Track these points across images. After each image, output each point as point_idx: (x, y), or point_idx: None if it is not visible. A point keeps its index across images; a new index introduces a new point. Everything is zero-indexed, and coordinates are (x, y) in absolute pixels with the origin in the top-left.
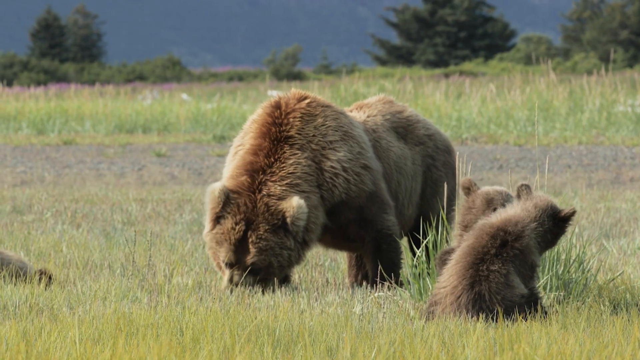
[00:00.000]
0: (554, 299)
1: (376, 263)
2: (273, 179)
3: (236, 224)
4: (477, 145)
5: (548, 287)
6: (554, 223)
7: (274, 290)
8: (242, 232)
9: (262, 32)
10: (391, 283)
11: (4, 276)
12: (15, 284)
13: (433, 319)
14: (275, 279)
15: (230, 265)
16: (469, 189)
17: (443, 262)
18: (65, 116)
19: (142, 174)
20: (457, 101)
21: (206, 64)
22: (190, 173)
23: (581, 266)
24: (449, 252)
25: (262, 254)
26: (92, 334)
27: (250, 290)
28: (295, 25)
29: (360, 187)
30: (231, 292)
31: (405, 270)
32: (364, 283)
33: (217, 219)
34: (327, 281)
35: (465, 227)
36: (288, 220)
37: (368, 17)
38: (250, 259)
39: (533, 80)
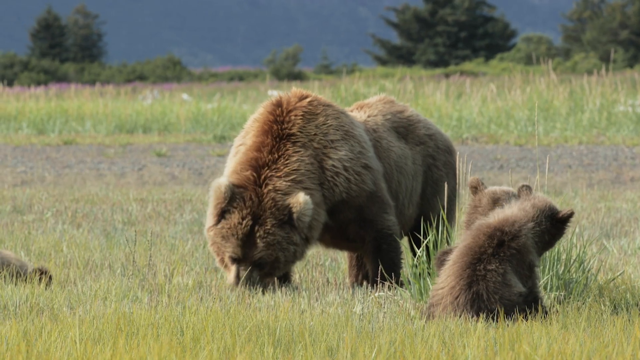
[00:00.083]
0: (554, 298)
1: (376, 263)
2: (278, 175)
3: (243, 218)
4: (477, 145)
5: (548, 287)
6: (552, 224)
7: (274, 290)
8: (249, 227)
9: (263, 32)
10: (391, 283)
11: (4, 276)
12: (15, 284)
13: (432, 319)
14: (276, 279)
15: (236, 260)
16: (476, 188)
17: (441, 262)
18: (65, 116)
19: (143, 174)
20: (458, 101)
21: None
22: (191, 173)
23: (582, 266)
24: (447, 252)
25: (269, 248)
26: (92, 333)
27: (255, 285)
28: (295, 25)
29: (360, 186)
30: (239, 286)
31: (406, 270)
32: (365, 283)
33: (222, 214)
34: (327, 281)
35: (471, 227)
36: (294, 215)
37: (368, 17)
38: (257, 253)
39: (533, 80)
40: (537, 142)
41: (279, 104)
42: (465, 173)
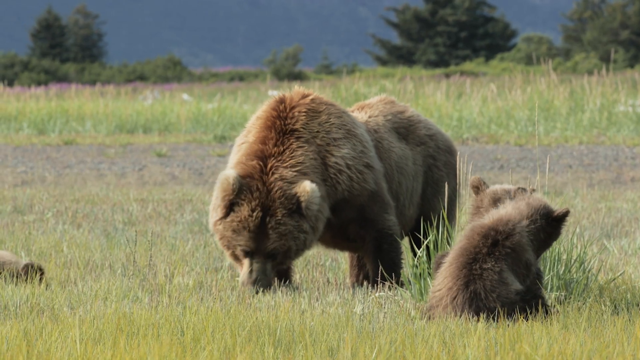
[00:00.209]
0: (554, 299)
1: (377, 263)
2: (284, 165)
3: (253, 210)
4: (477, 145)
5: (549, 287)
6: (548, 223)
7: (275, 290)
8: (259, 218)
9: (263, 32)
10: (392, 283)
11: (4, 277)
12: (15, 284)
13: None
14: (276, 279)
15: (249, 253)
16: (478, 188)
17: (438, 266)
18: (66, 116)
19: (143, 174)
20: (458, 101)
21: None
22: (191, 173)
23: (582, 266)
24: (444, 256)
25: (281, 238)
26: (92, 333)
27: (269, 277)
28: (295, 25)
29: (362, 185)
30: (254, 282)
31: (406, 270)
32: (365, 283)
33: (231, 206)
34: (328, 281)
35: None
36: (303, 204)
37: (368, 17)
38: (270, 244)
39: (534, 80)
40: (537, 142)
41: (282, 101)
42: (466, 173)
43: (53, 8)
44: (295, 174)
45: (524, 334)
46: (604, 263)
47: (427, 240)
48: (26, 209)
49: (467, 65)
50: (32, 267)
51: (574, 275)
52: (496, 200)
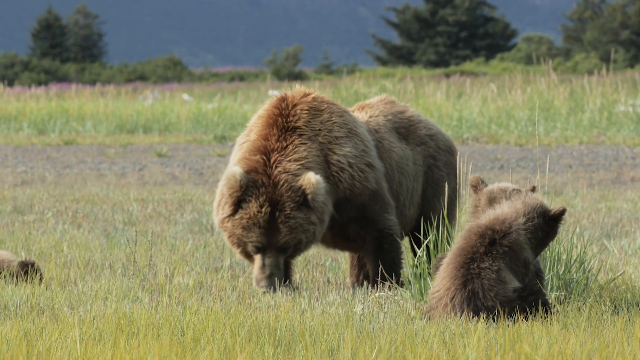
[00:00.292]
0: (555, 298)
1: (377, 263)
2: (288, 159)
3: (261, 206)
4: (478, 145)
5: (549, 287)
6: (545, 221)
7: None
8: (269, 214)
9: (263, 32)
10: (392, 283)
11: (4, 276)
12: (16, 284)
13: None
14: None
15: (261, 249)
16: (476, 187)
17: (438, 267)
18: (66, 116)
19: (143, 174)
20: (458, 101)
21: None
22: (191, 173)
23: (582, 266)
24: (444, 257)
25: (292, 232)
26: (93, 333)
27: (281, 270)
28: (295, 25)
29: (364, 184)
30: (269, 277)
31: (406, 270)
32: (365, 283)
33: (238, 203)
34: (328, 281)
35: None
36: (309, 197)
37: (368, 17)
38: (282, 238)
39: (534, 80)
40: (537, 142)
41: (283, 99)
42: (466, 173)
43: (53, 8)
44: (299, 167)
45: (524, 334)
46: (604, 263)
47: (427, 240)
48: (26, 208)
49: (467, 65)
50: (25, 264)
51: (574, 275)
52: (492, 200)
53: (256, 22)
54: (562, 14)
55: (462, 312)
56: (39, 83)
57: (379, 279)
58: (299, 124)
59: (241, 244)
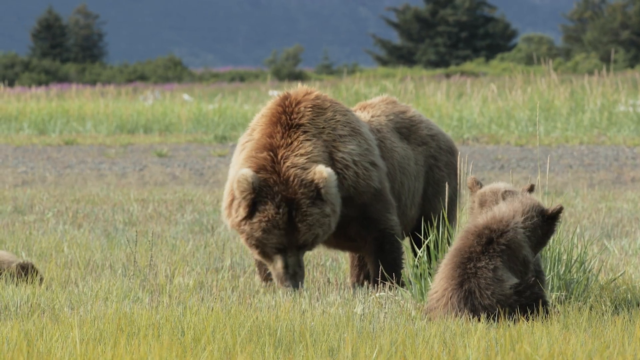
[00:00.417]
0: (555, 299)
1: (378, 263)
2: (295, 154)
3: (278, 207)
4: (478, 146)
5: (550, 287)
6: (543, 220)
7: (275, 290)
8: (287, 214)
9: (263, 32)
10: (392, 283)
11: (5, 276)
12: (16, 284)
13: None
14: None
15: (282, 249)
16: (471, 189)
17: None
18: (66, 116)
19: (144, 174)
20: (458, 101)
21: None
22: (192, 173)
23: (582, 266)
24: None
25: (310, 229)
26: (93, 334)
27: (302, 268)
28: (296, 25)
29: (368, 182)
30: (293, 278)
31: (407, 271)
32: (366, 283)
33: (254, 205)
34: (328, 281)
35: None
36: (322, 191)
37: (369, 17)
38: (302, 236)
39: (534, 80)
40: (538, 142)
41: (286, 97)
42: (466, 173)
43: (53, 8)
44: (306, 160)
45: (525, 334)
46: (604, 263)
47: (428, 240)
48: (27, 209)
49: (468, 66)
50: (23, 267)
51: (575, 276)
52: (483, 203)
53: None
54: (563, 14)
55: (460, 311)
56: (40, 83)
57: (380, 279)
58: (303, 121)
59: (260, 246)
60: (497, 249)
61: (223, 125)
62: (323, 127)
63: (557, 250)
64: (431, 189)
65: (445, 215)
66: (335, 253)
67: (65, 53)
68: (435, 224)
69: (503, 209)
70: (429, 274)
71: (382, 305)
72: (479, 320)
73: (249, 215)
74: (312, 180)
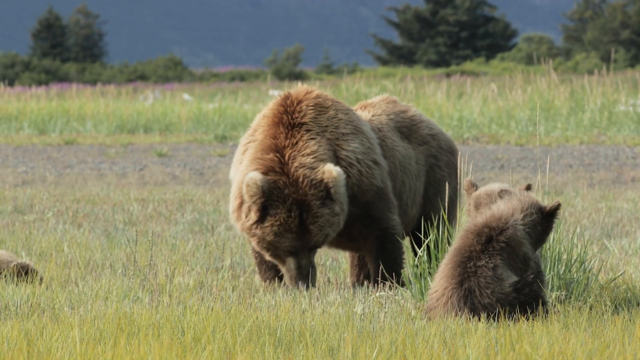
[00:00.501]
0: (555, 298)
1: (379, 262)
2: (301, 154)
3: (289, 210)
4: (478, 145)
5: (550, 287)
6: (542, 217)
7: (275, 290)
8: (298, 217)
9: (264, 32)
10: (392, 283)
11: (5, 276)
12: (17, 284)
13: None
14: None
15: (294, 252)
16: (467, 192)
17: None
18: (66, 116)
19: (144, 174)
20: (459, 101)
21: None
22: (192, 173)
23: (582, 266)
24: None
25: (322, 230)
26: (93, 333)
27: (314, 268)
28: (296, 25)
29: (371, 180)
30: (306, 278)
31: (407, 270)
32: (366, 283)
33: (264, 209)
34: (328, 281)
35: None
36: (332, 190)
37: (369, 17)
38: (313, 238)
39: (534, 80)
40: (538, 142)
41: (287, 97)
42: (467, 173)
43: (54, 8)
44: (313, 159)
45: (525, 334)
46: (604, 263)
47: (428, 239)
48: (27, 208)
49: (468, 65)
50: (23, 267)
51: (575, 275)
52: (478, 205)
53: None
54: (563, 14)
55: (460, 310)
56: (40, 83)
57: (380, 278)
58: (305, 120)
59: (272, 249)
60: (497, 247)
61: (223, 125)
62: (326, 126)
63: (557, 250)
64: (432, 189)
65: (445, 215)
66: (335, 253)
67: (65, 53)
68: (435, 224)
69: (502, 207)
70: (429, 273)
71: (382, 304)
72: (479, 319)
73: (260, 219)
74: (322, 180)
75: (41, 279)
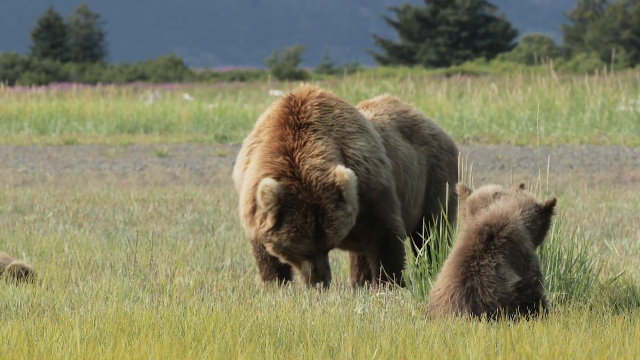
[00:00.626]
0: (555, 298)
1: (382, 263)
2: (310, 155)
3: (305, 216)
4: (478, 145)
5: (550, 287)
6: (539, 214)
7: (275, 290)
8: (314, 222)
9: (264, 32)
10: (393, 283)
11: (5, 277)
12: (17, 284)
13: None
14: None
15: (311, 256)
16: (461, 196)
17: None
18: (66, 116)
19: (144, 174)
20: (459, 101)
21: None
22: (192, 173)
23: (583, 266)
24: None
25: (337, 232)
26: (93, 334)
27: (329, 269)
28: (296, 25)
29: (377, 179)
30: (322, 280)
31: (407, 270)
32: (366, 283)
33: (280, 215)
34: None
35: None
36: (344, 193)
37: (369, 17)
38: (329, 241)
39: (535, 80)
40: (538, 142)
41: (291, 98)
42: (467, 173)
43: (54, 8)
44: (323, 160)
45: (525, 334)
46: (604, 263)
47: (428, 239)
48: (27, 208)
49: (468, 65)
50: (22, 268)
51: (575, 275)
52: (474, 210)
53: (257, 22)
54: (563, 14)
55: (461, 309)
56: (40, 83)
57: (380, 279)
58: (311, 119)
59: (287, 253)
60: (499, 244)
61: (223, 125)
62: (332, 125)
63: (558, 250)
64: (433, 189)
65: (446, 216)
66: (335, 253)
67: (65, 53)
68: (435, 224)
69: (501, 206)
70: (429, 273)
71: (382, 305)
72: (480, 318)
73: (276, 226)
74: (334, 183)
75: (40, 282)
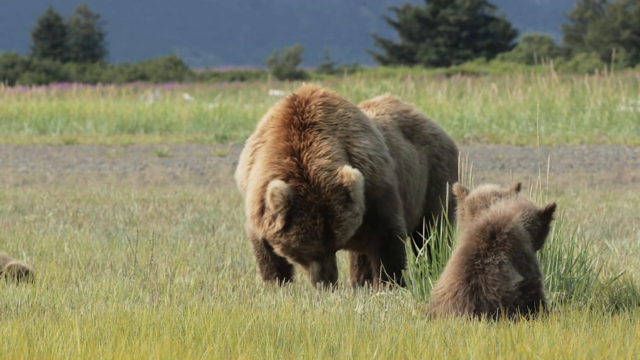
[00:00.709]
0: (556, 298)
1: (383, 263)
2: (317, 155)
3: (314, 217)
4: (479, 145)
5: (550, 287)
6: (539, 218)
7: (276, 290)
8: (323, 224)
9: (264, 32)
10: (393, 283)
11: (5, 276)
12: (17, 284)
13: (434, 319)
14: (276, 280)
15: (319, 257)
16: (458, 196)
17: None
18: (67, 116)
19: (144, 173)
20: (459, 101)
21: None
22: (192, 173)
23: (583, 266)
24: None
25: (345, 233)
26: (94, 333)
27: (336, 269)
28: (296, 25)
29: (382, 177)
30: (330, 279)
31: (408, 270)
32: (366, 282)
33: (290, 217)
34: None
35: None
36: (351, 194)
37: (370, 17)
38: (338, 242)
39: (535, 80)
40: (538, 142)
41: (294, 98)
42: (467, 173)
43: (54, 8)
44: (330, 160)
45: (525, 334)
46: (604, 263)
47: (428, 239)
48: (27, 208)
49: (468, 65)
50: (22, 268)
51: (575, 275)
52: (474, 210)
53: (257, 22)
54: (563, 14)
55: (464, 306)
56: (40, 83)
57: (381, 278)
58: (316, 119)
59: (296, 254)
60: (501, 241)
61: (223, 125)
62: (336, 124)
63: (558, 249)
64: (434, 189)
65: (446, 215)
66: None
67: (65, 53)
68: (436, 224)
69: (503, 207)
70: (430, 273)
71: (382, 304)
72: (480, 318)
73: (286, 227)
74: (341, 184)
75: (40, 282)
